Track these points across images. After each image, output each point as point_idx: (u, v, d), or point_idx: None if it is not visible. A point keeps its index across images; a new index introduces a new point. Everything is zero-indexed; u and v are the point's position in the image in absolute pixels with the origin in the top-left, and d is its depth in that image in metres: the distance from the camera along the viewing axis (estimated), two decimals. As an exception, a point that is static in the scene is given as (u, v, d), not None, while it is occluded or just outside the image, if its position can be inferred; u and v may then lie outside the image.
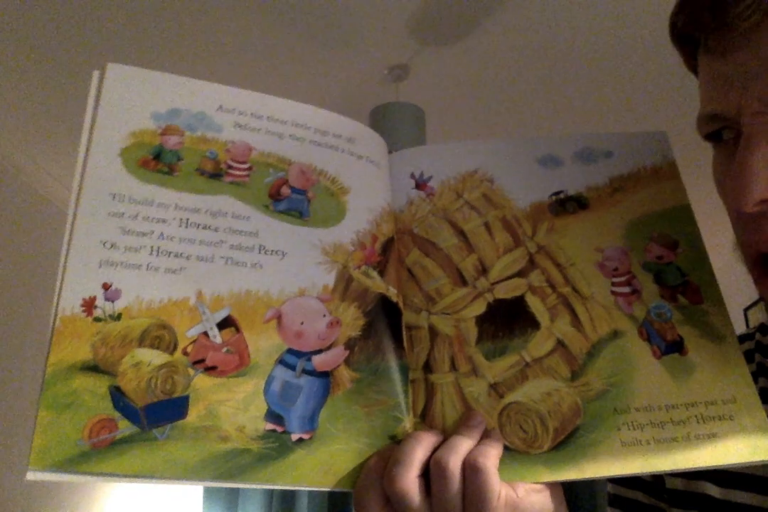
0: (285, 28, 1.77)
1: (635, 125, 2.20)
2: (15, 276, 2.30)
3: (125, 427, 0.38)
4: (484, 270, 0.49)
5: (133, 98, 0.46)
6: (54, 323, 0.39)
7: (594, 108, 2.14)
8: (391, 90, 1.99)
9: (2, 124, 2.18)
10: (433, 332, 0.47)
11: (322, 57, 1.90)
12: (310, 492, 2.36)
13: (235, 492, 2.56)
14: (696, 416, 0.43)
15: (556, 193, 0.52)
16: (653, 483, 0.53)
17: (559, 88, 2.04)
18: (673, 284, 0.48)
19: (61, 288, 0.40)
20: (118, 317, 0.40)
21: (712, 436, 0.42)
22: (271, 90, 2.05)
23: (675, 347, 0.46)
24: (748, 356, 0.50)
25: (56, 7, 1.67)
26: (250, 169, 0.47)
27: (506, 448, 0.42)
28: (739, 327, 0.56)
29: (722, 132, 0.42)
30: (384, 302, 0.46)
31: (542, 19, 1.74)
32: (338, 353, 0.43)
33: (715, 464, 0.41)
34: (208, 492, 2.59)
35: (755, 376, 0.44)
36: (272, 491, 2.49)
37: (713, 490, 0.48)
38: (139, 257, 0.42)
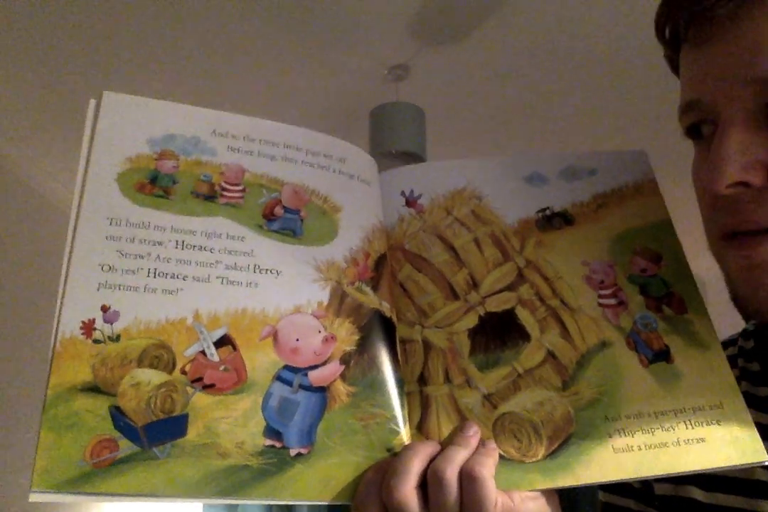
0: (285, 29, 1.79)
1: (635, 124, 2.22)
2: (15, 277, 2.29)
3: (126, 447, 0.39)
4: (474, 285, 0.50)
5: (128, 125, 0.47)
6: (54, 345, 0.40)
7: (593, 107, 2.17)
8: (391, 90, 2.00)
9: (3, 126, 2.19)
10: (427, 345, 0.48)
11: (322, 57, 1.91)
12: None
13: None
14: (684, 422, 0.44)
15: (543, 210, 0.54)
16: (643, 490, 0.54)
17: (558, 88, 2.07)
18: (657, 295, 0.49)
19: (60, 311, 0.41)
20: (117, 338, 0.41)
21: (701, 441, 0.43)
22: (271, 90, 2.08)
23: (662, 356, 0.47)
24: (732, 361, 0.52)
25: (57, 17, 1.68)
26: (243, 190, 0.48)
27: (501, 457, 0.43)
28: (741, 327, 0.57)
29: (701, 128, 0.43)
30: (378, 317, 0.47)
31: (542, 19, 1.76)
32: (334, 368, 0.44)
33: (705, 468, 0.42)
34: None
35: (738, 380, 0.46)
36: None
37: (698, 494, 0.49)
38: (136, 279, 0.43)
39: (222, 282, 0.44)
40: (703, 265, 0.52)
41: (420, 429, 0.45)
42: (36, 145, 2.33)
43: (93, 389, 0.39)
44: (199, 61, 1.92)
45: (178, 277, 0.44)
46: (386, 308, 0.48)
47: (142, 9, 1.70)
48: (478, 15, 1.75)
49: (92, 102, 0.48)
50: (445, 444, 0.42)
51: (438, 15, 1.76)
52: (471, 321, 0.49)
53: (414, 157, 1.76)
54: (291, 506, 2.40)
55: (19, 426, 2.21)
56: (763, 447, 0.42)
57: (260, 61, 1.93)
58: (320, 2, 1.70)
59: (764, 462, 0.42)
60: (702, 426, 0.44)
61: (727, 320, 0.61)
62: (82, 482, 0.37)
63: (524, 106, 2.18)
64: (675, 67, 0.47)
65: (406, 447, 0.42)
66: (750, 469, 0.46)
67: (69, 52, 1.86)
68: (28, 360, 2.24)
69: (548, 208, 0.54)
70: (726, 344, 0.57)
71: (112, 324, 0.41)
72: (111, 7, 1.68)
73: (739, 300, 0.44)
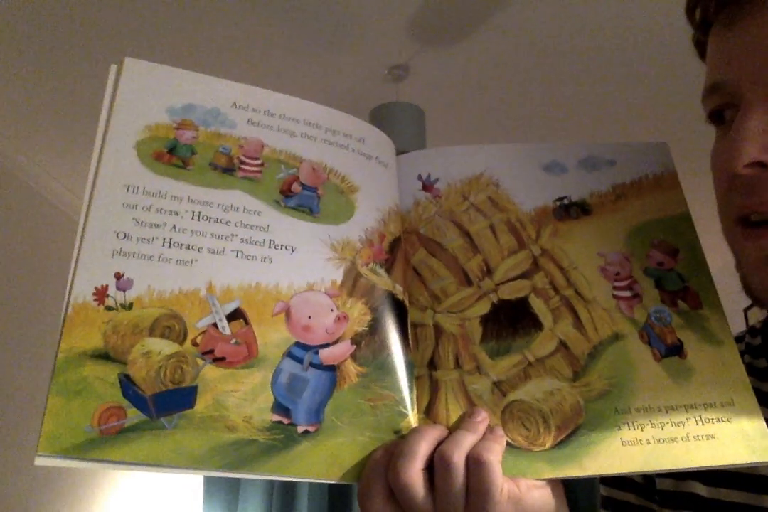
0: (285, 28, 1.78)
1: (634, 124, 2.22)
2: (13, 277, 2.29)
3: (134, 415, 0.38)
4: (488, 272, 0.50)
5: (149, 93, 0.47)
6: (66, 310, 0.39)
7: (593, 107, 2.16)
8: (391, 90, 2.00)
9: (2, 125, 2.18)
10: (438, 330, 0.47)
11: (322, 57, 1.91)
12: (309, 492, 2.35)
13: (235, 490, 2.55)
14: (695, 417, 0.44)
15: (560, 199, 0.53)
16: (644, 485, 0.54)
17: (558, 88, 2.06)
18: (673, 289, 0.49)
19: (73, 277, 0.40)
20: (130, 306, 0.41)
21: (710, 437, 0.43)
22: (271, 90, 2.06)
23: (674, 350, 0.46)
24: None
25: (58, 8, 1.68)
26: (262, 165, 0.48)
27: (509, 445, 0.43)
28: (741, 327, 0.57)
29: (724, 112, 0.43)
30: (390, 299, 0.47)
31: (542, 19, 1.75)
32: (345, 347, 0.44)
33: (714, 464, 0.42)
34: (209, 491, 2.57)
35: None
36: (272, 490, 2.47)
37: (701, 489, 0.48)
38: (151, 248, 0.42)
39: (237, 256, 0.44)
40: (719, 261, 0.51)
41: (428, 414, 0.44)
42: (38, 146, 2.32)
43: (103, 356, 0.39)
44: (197, 60, 1.91)
45: (193, 248, 0.43)
46: (399, 291, 0.48)
47: (142, 9, 1.69)
48: (478, 15, 1.74)
49: (113, 67, 0.47)
50: (453, 429, 0.42)
51: (438, 15, 1.75)
52: (483, 307, 0.48)
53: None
54: (291, 500, 2.42)
55: (25, 397, 2.22)
56: None
57: (260, 60, 1.92)
58: (320, 2, 1.69)
59: None
60: (712, 422, 0.43)
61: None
62: (88, 448, 0.37)
63: (524, 106, 2.17)
64: (702, 52, 0.46)
65: (413, 430, 0.42)
66: None
67: (71, 52, 1.84)
68: (25, 366, 2.24)
69: (566, 197, 0.53)
70: None
71: (125, 291, 0.41)
72: (115, 6, 1.68)
73: (751, 290, 0.44)
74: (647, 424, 0.44)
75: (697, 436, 0.43)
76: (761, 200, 0.40)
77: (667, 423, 0.44)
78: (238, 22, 1.76)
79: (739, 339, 0.57)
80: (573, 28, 1.79)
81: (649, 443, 0.43)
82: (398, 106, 1.83)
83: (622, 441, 0.43)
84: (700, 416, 0.44)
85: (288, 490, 2.40)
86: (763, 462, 0.42)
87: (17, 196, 2.38)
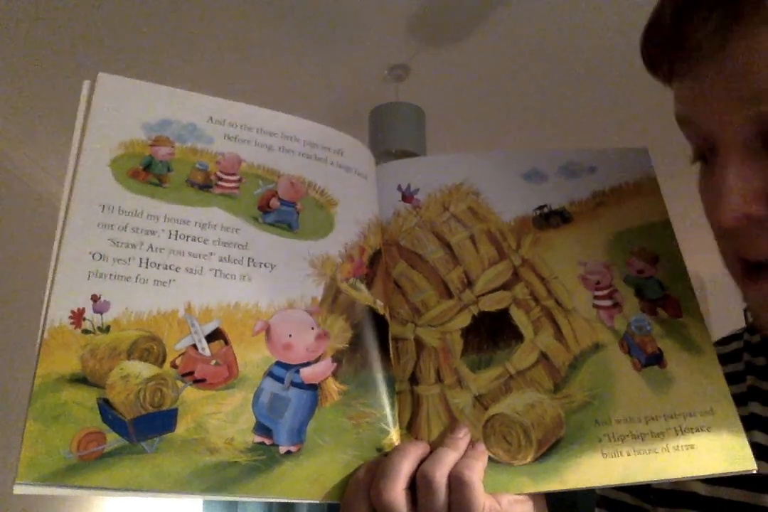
0: (285, 28, 1.77)
1: (636, 122, 2.23)
2: (12, 277, 2.27)
3: (113, 440, 0.38)
4: (469, 283, 0.50)
5: (123, 109, 0.46)
6: (42, 335, 0.39)
7: (593, 107, 2.17)
8: (391, 90, 2.00)
9: (2, 125, 2.15)
10: (420, 344, 0.47)
11: (322, 57, 1.90)
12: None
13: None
14: (675, 428, 0.44)
15: (540, 207, 0.53)
16: (639, 485, 0.54)
17: (558, 88, 2.06)
18: (653, 298, 0.49)
19: (49, 300, 0.40)
20: (107, 329, 0.40)
21: (690, 447, 0.43)
22: (271, 90, 2.06)
23: (654, 360, 0.47)
24: (737, 355, 0.52)
25: (52, 8, 1.65)
26: (239, 180, 0.47)
27: (490, 459, 0.43)
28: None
29: (703, 152, 0.43)
30: (371, 314, 0.47)
31: (542, 20, 1.75)
32: (326, 365, 0.44)
33: (693, 475, 0.43)
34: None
35: (743, 374, 0.46)
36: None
37: (700, 488, 0.49)
38: (128, 269, 0.42)
39: (215, 275, 0.44)
40: (703, 264, 0.52)
41: (410, 429, 0.45)
42: (38, 146, 2.29)
43: (81, 380, 0.39)
44: (196, 61, 1.90)
45: (170, 268, 0.43)
46: (380, 306, 0.48)
47: (142, 7, 1.67)
48: (478, 15, 1.74)
49: (86, 83, 0.46)
50: (435, 446, 0.42)
51: (438, 15, 1.75)
52: (464, 320, 0.48)
53: (414, 156, 1.75)
54: (290, 503, 2.42)
55: (8, 417, 2.20)
56: (752, 454, 0.43)
57: (260, 61, 1.91)
58: (321, 2, 1.67)
59: (752, 470, 0.42)
60: (692, 432, 0.44)
61: (726, 319, 0.61)
62: (68, 474, 0.37)
63: (524, 106, 2.17)
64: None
65: (396, 449, 0.42)
66: None
67: (72, 51, 1.82)
68: (24, 356, 2.23)
69: (546, 205, 0.53)
70: (731, 338, 0.57)
71: (102, 314, 0.40)
72: (114, 6, 1.66)
73: (760, 327, 0.44)
74: (627, 435, 0.44)
75: (677, 447, 0.43)
76: (753, 248, 0.41)
77: (647, 433, 0.44)
78: (237, 23, 1.74)
79: (737, 336, 0.57)
80: (573, 28, 1.79)
81: (629, 455, 0.43)
82: (398, 106, 1.83)
83: (602, 453, 0.43)
84: (680, 426, 0.44)
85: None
86: (741, 472, 0.42)
87: (17, 196, 2.36)
